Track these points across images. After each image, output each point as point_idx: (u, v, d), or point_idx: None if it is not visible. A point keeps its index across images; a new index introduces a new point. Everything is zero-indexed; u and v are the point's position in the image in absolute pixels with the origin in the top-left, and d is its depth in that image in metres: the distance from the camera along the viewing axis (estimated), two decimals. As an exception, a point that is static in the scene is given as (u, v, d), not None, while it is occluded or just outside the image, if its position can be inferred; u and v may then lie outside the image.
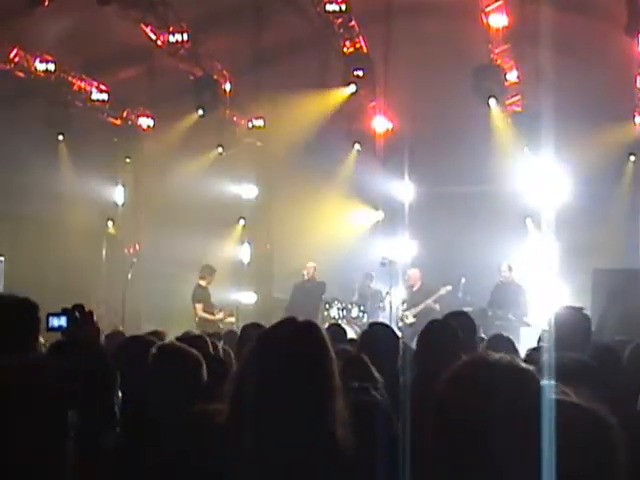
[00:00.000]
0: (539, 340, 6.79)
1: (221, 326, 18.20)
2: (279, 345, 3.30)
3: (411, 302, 18.38)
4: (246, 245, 22.68)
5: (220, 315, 18.63)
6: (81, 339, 4.51)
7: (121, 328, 14.79)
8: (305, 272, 19.12)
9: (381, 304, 19.15)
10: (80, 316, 4.63)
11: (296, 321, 3.43)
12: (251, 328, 7.75)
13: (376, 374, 5.48)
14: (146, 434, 4.15)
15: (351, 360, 5.43)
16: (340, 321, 17.25)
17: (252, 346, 3.35)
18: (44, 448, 2.74)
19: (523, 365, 2.52)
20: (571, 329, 6.24)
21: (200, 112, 19.76)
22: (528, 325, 16.59)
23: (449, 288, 18.10)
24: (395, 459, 4.12)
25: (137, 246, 22.15)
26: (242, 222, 22.42)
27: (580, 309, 6.58)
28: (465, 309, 16.19)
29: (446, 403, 2.48)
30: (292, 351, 3.25)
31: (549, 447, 2.37)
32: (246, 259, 22.63)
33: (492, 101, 18.49)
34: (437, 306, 17.86)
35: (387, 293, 19.00)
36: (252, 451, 3.09)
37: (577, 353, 5.99)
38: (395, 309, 18.72)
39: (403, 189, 21.18)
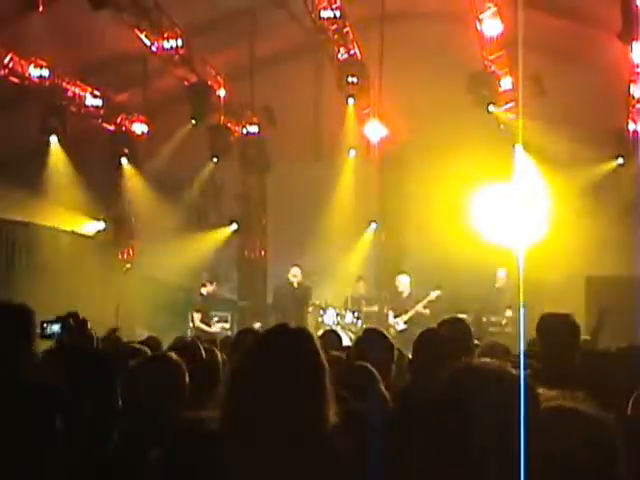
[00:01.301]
0: (529, 346, 6.80)
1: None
2: (271, 352, 3.31)
3: (401, 309, 18.33)
4: (240, 250, 22.72)
5: (217, 328, 18.61)
6: (76, 346, 4.52)
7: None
8: (292, 278, 18.92)
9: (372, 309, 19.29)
10: (74, 324, 4.64)
11: (289, 328, 3.44)
12: (246, 334, 7.74)
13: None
14: (142, 440, 4.15)
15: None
16: (334, 327, 17.24)
17: (244, 353, 3.36)
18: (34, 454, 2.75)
19: (513, 371, 2.54)
20: (559, 335, 6.26)
21: (193, 122, 19.73)
22: (522, 331, 16.58)
23: (438, 293, 18.09)
24: (387, 465, 4.12)
25: (131, 251, 22.15)
26: (235, 226, 22.44)
27: (568, 315, 6.59)
28: (459, 315, 16.23)
29: (441, 409, 2.50)
30: (284, 358, 3.26)
31: (538, 452, 2.39)
32: (239, 264, 22.67)
33: (491, 107, 18.51)
34: (427, 311, 17.88)
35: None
36: (245, 457, 3.10)
37: (565, 359, 6.02)
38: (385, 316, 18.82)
39: (397, 195, 21.24)
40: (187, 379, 4.80)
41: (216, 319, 19.63)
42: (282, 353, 3.28)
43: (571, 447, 2.51)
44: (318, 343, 3.38)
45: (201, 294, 18.59)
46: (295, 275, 18.75)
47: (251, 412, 3.14)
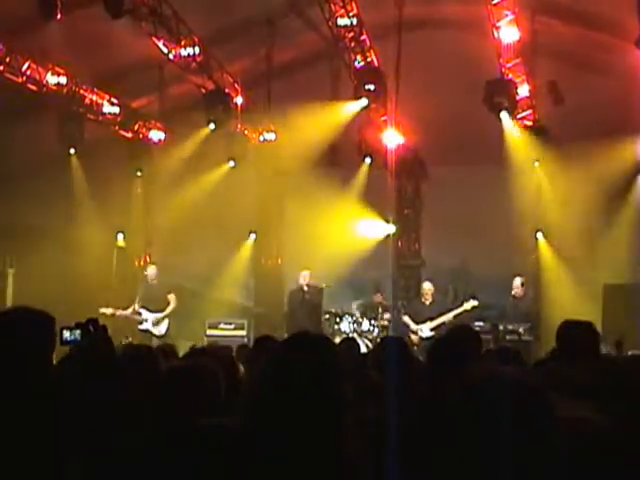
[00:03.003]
0: (551, 354, 6.78)
1: (125, 312, 17.74)
2: (291, 360, 3.32)
3: (424, 316, 18.03)
4: (256, 257, 22.73)
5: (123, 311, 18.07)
6: (96, 353, 4.53)
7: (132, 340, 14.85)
8: (302, 282, 18.89)
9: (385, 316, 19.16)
10: (94, 330, 4.65)
11: (309, 335, 3.46)
12: (264, 341, 7.74)
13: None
14: (165, 446, 4.16)
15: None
16: (350, 335, 17.22)
17: (266, 360, 3.37)
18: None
19: (527, 379, 2.53)
20: (579, 343, 6.24)
21: (212, 127, 19.73)
22: (539, 339, 16.60)
23: (475, 303, 17.79)
24: (401, 474, 4.12)
25: (148, 259, 22.18)
26: (253, 236, 22.45)
27: (588, 323, 6.57)
28: (477, 324, 16.25)
29: (455, 418, 2.49)
30: (304, 365, 3.27)
31: (552, 461, 2.39)
32: (256, 271, 22.69)
33: (504, 115, 18.45)
34: (454, 321, 17.71)
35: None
36: (265, 462, 3.10)
37: (584, 367, 6.00)
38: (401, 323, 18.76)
39: (413, 201, 21.28)
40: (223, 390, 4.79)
41: (232, 326, 19.66)
42: (302, 360, 3.29)
43: (581, 456, 2.51)
44: (336, 350, 3.40)
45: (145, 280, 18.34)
46: (304, 277, 18.75)
47: (271, 419, 3.15)
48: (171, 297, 18.04)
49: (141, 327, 17.75)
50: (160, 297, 17.96)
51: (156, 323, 17.76)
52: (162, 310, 17.84)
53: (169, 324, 17.98)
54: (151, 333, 17.57)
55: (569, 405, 2.74)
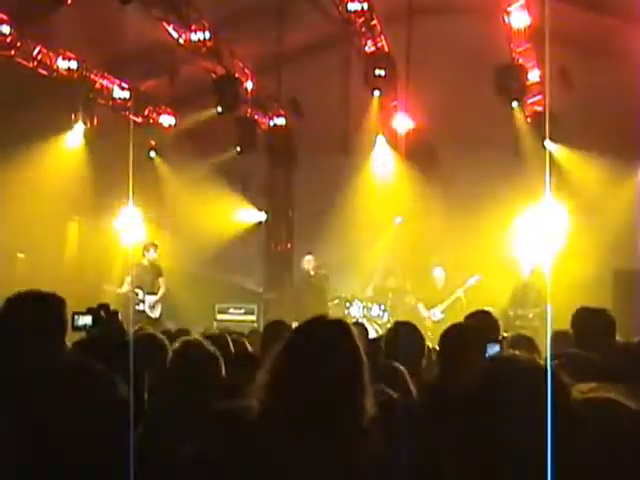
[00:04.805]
0: (559, 340, 6.77)
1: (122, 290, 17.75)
2: (311, 343, 3.31)
3: (435, 300, 18.42)
4: (266, 243, 22.72)
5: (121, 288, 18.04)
6: (107, 338, 4.52)
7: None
8: (307, 266, 18.90)
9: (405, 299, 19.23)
10: (105, 315, 4.65)
11: (327, 319, 3.44)
12: (275, 325, 7.74)
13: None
14: (171, 430, 4.17)
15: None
16: (360, 320, 17.24)
17: (283, 344, 3.36)
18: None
19: (543, 363, 2.52)
20: (594, 331, 6.21)
21: (219, 109, 19.66)
22: (549, 325, 16.58)
23: (478, 278, 18.25)
24: (417, 457, 4.13)
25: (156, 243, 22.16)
26: (263, 218, 22.44)
27: (603, 310, 6.55)
28: (486, 308, 16.18)
29: (469, 402, 2.49)
30: (324, 349, 3.26)
31: (573, 448, 2.38)
32: (266, 257, 22.68)
33: (515, 103, 18.39)
34: (463, 297, 18.04)
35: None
36: (283, 446, 3.11)
37: (598, 353, 5.98)
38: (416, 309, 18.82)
39: (425, 188, 21.24)
40: (222, 369, 4.79)
41: (241, 310, 19.66)
42: (321, 344, 3.28)
43: (608, 441, 2.49)
44: (356, 334, 3.39)
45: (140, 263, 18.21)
46: (308, 262, 18.77)
47: (290, 403, 3.15)
48: (161, 281, 18.18)
49: (138, 308, 17.79)
50: (151, 280, 18.07)
51: (152, 306, 17.87)
52: (153, 292, 17.98)
53: (162, 308, 18.18)
54: (147, 315, 17.62)
55: (590, 388, 2.73)
